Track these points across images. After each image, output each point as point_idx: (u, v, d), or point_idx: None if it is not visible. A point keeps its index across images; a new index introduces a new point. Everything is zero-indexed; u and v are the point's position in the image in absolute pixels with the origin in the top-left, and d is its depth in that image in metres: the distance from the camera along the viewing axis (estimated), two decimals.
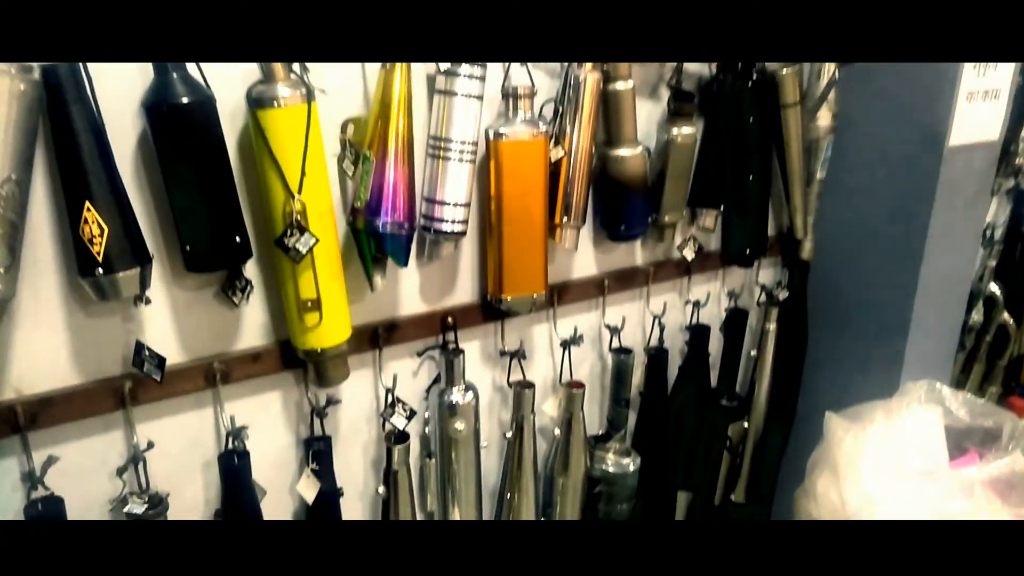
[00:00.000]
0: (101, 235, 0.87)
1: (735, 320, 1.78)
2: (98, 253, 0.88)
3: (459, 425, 1.31)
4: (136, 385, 1.01)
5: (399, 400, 1.27)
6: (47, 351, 0.96)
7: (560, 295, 1.45)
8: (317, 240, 1.02)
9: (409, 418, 1.26)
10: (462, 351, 1.32)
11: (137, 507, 1.00)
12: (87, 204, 0.87)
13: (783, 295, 1.80)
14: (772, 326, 1.82)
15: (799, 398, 1.91)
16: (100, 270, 0.88)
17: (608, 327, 1.55)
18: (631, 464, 1.55)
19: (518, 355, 1.41)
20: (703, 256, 1.65)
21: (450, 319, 1.31)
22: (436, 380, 1.35)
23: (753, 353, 1.85)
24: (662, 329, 1.63)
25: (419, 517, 1.35)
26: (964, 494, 1.41)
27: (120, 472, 1.02)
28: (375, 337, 1.23)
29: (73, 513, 0.98)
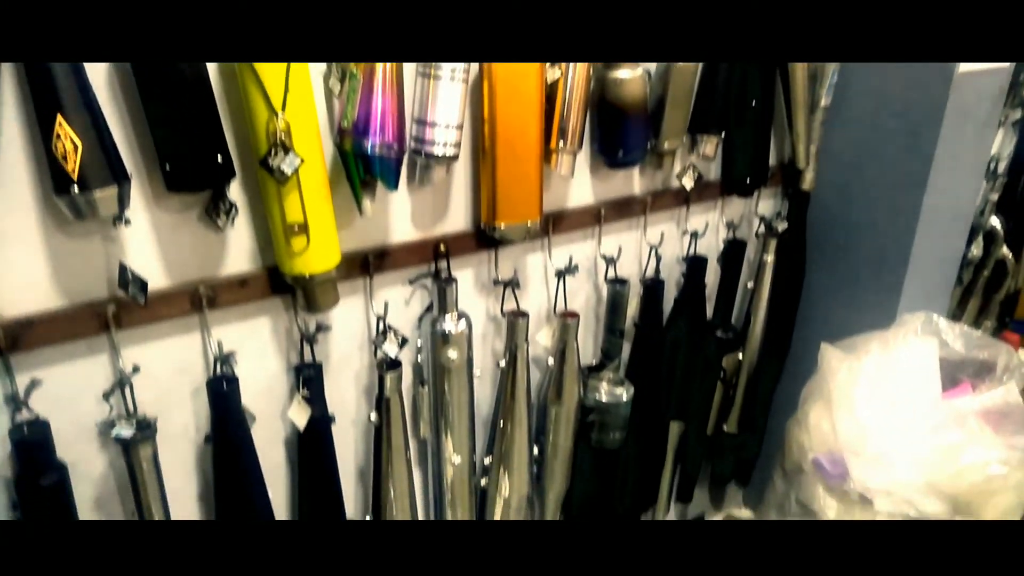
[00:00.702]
0: (75, 151, 0.84)
1: (733, 251, 1.76)
2: (72, 170, 0.84)
3: (452, 354, 1.30)
4: (120, 309, 0.99)
5: (391, 328, 1.25)
6: (26, 273, 0.93)
7: (555, 223, 1.42)
8: (302, 160, 0.98)
9: (401, 346, 1.25)
10: (455, 279, 1.30)
11: (125, 430, 0.99)
12: (59, 118, 0.83)
13: (782, 227, 1.77)
14: (770, 258, 1.80)
15: (794, 330, 1.91)
16: (75, 188, 0.84)
17: (604, 257, 1.53)
18: (624, 394, 1.55)
19: (512, 284, 1.39)
20: (702, 185, 1.61)
21: (442, 247, 1.29)
22: (429, 308, 1.33)
23: (750, 285, 1.84)
24: (659, 260, 1.61)
25: (411, 445, 1.35)
26: (956, 424, 1.42)
27: (106, 396, 1.01)
28: (365, 264, 1.20)
29: (59, 436, 0.97)
